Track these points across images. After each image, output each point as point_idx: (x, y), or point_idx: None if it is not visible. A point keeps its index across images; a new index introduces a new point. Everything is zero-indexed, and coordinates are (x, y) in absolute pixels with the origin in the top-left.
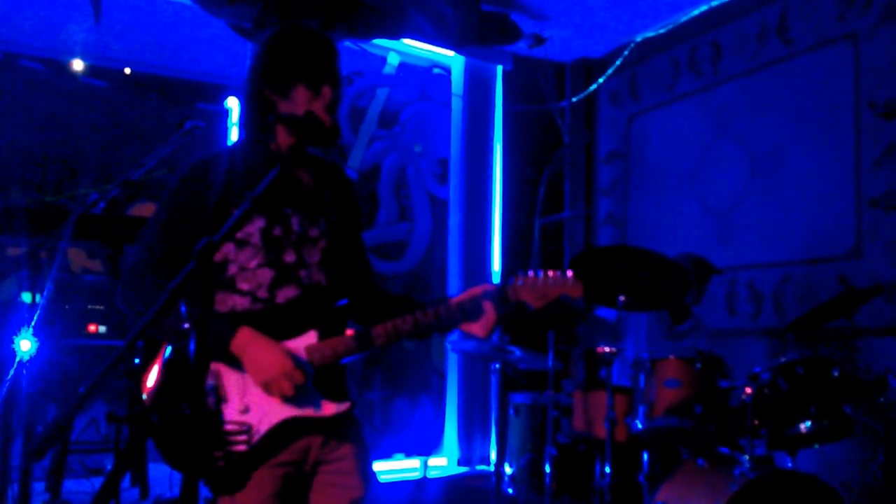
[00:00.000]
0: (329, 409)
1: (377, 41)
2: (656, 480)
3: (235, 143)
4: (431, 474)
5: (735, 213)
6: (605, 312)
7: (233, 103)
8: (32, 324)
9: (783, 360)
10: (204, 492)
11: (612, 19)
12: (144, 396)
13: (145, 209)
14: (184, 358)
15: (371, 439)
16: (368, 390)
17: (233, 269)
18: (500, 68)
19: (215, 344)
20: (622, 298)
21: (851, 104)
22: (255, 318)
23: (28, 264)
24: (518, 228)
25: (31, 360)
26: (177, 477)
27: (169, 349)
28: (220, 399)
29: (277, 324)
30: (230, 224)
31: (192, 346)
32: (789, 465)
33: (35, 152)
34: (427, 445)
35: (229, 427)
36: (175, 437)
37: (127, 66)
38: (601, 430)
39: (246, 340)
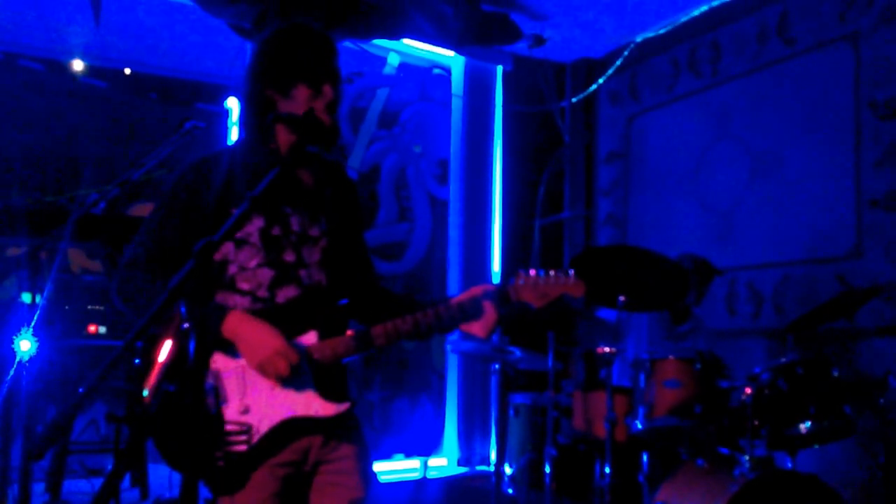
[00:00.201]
0: (329, 409)
1: (377, 41)
2: (656, 481)
3: (235, 143)
4: (431, 475)
5: (735, 214)
6: (605, 313)
7: (233, 103)
8: (32, 324)
9: (783, 360)
10: (204, 492)
11: (612, 20)
12: (145, 395)
13: (145, 209)
14: (184, 357)
15: (371, 440)
16: (368, 391)
17: (232, 269)
18: (500, 68)
19: (208, 331)
20: (622, 299)
21: (852, 104)
22: (256, 316)
23: (28, 264)
24: (518, 229)
25: (31, 360)
26: (177, 477)
27: (169, 348)
28: (220, 399)
29: (277, 324)
30: (229, 224)
31: (191, 345)
32: (789, 465)
33: (35, 152)
34: (427, 446)
35: (229, 427)
36: (175, 437)
37: (127, 67)
38: (601, 431)
39: (236, 323)
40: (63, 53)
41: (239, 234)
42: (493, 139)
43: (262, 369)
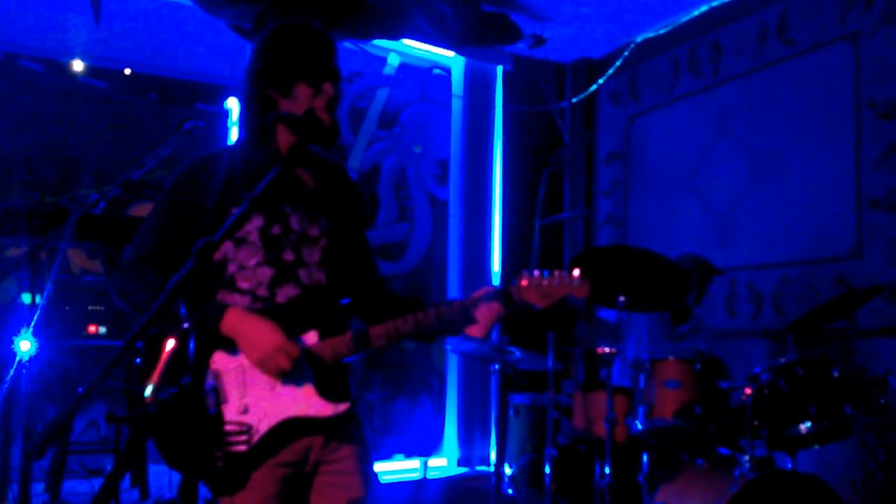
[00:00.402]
0: (329, 408)
1: (377, 42)
2: (656, 481)
3: (236, 143)
4: (431, 475)
5: (735, 214)
6: (605, 313)
7: (232, 104)
8: (32, 324)
9: (783, 360)
10: (203, 492)
11: (612, 20)
12: (147, 396)
13: (145, 210)
14: (184, 357)
15: (371, 440)
16: (368, 391)
17: (232, 268)
18: (500, 69)
19: (206, 329)
20: (622, 299)
21: (852, 105)
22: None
23: (28, 265)
24: (518, 229)
25: (31, 360)
26: (177, 478)
27: (169, 348)
28: (220, 399)
29: (277, 323)
30: (229, 224)
31: (191, 345)
32: (789, 465)
33: (35, 153)
34: (427, 446)
35: (229, 427)
36: (175, 437)
37: (127, 67)
38: (601, 431)
39: (235, 320)
40: (63, 54)
41: (238, 233)
42: (493, 139)
43: (263, 365)
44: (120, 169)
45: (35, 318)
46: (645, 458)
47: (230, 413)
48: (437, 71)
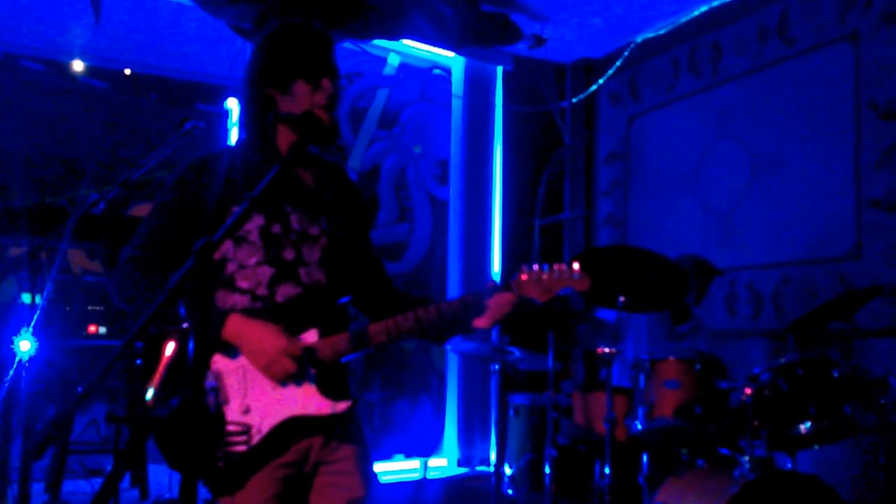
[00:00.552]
0: (331, 407)
1: (377, 42)
2: (656, 481)
3: (236, 143)
4: (431, 475)
5: (735, 214)
6: (605, 313)
7: (232, 104)
8: (32, 324)
9: (783, 360)
10: (203, 493)
11: (612, 20)
12: (148, 397)
13: (145, 209)
14: (184, 358)
15: (371, 440)
16: (369, 391)
17: (232, 267)
18: (500, 69)
19: (207, 335)
20: (622, 299)
21: (852, 105)
22: (256, 316)
23: (28, 265)
24: (518, 229)
25: (31, 360)
26: (176, 478)
27: (171, 348)
28: (221, 400)
29: (278, 322)
30: (228, 224)
31: (190, 345)
32: (789, 465)
33: (35, 153)
34: (427, 446)
35: (230, 428)
36: (177, 437)
37: (127, 67)
38: (601, 431)
39: (238, 326)
40: (63, 54)
41: (238, 232)
42: (493, 139)
43: (268, 370)
44: (120, 169)
45: (35, 318)
46: (645, 458)
47: (232, 413)
48: (437, 71)
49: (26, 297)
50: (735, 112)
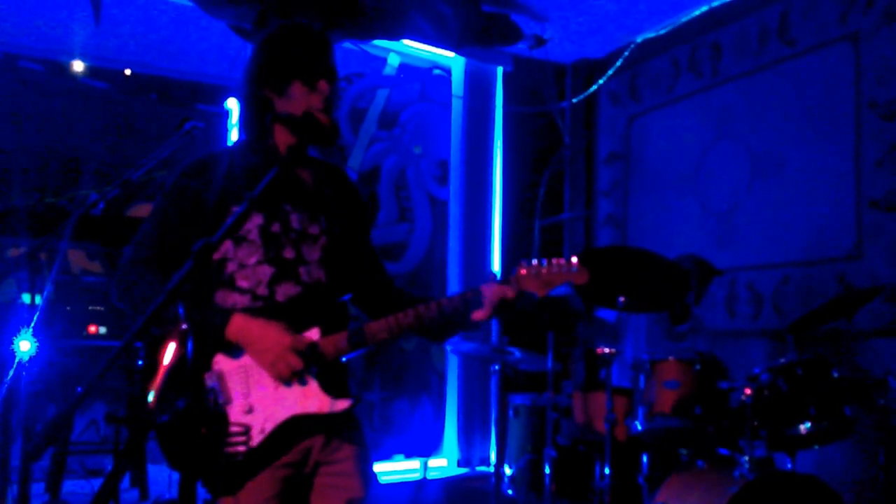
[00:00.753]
0: (333, 405)
1: (377, 42)
2: (656, 482)
3: (235, 143)
4: (431, 475)
5: (735, 214)
6: (605, 313)
7: (233, 104)
8: (32, 324)
9: (783, 361)
10: (203, 493)
11: (612, 20)
12: (150, 398)
13: (145, 210)
14: (184, 358)
15: (371, 440)
16: (368, 391)
17: (231, 267)
18: (500, 69)
19: (212, 334)
20: (622, 299)
21: (852, 105)
22: (257, 315)
23: (28, 265)
24: (518, 230)
25: (31, 361)
26: (176, 478)
27: (171, 349)
28: (224, 400)
29: (279, 321)
30: (228, 225)
31: (189, 346)
32: (789, 466)
33: (35, 153)
34: (427, 446)
35: (234, 428)
36: (179, 438)
37: (127, 67)
38: (601, 431)
39: (241, 325)
40: (63, 54)
41: (238, 232)
42: (493, 140)
43: (275, 367)
44: (120, 169)
45: (35, 318)
46: (645, 458)
47: (235, 414)
48: (437, 71)
49: (26, 297)
50: (735, 112)
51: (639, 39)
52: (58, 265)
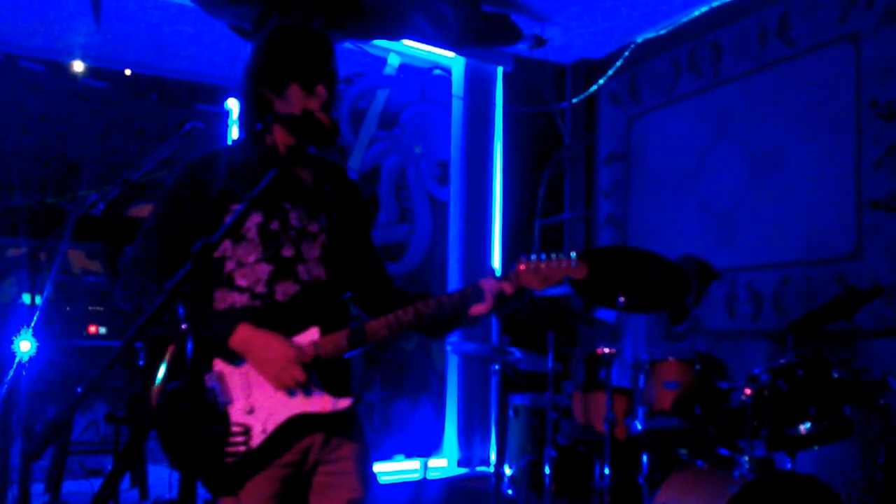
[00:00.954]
0: (333, 403)
1: (377, 42)
2: (656, 482)
3: (235, 142)
4: (431, 475)
5: (735, 215)
6: (605, 313)
7: (233, 104)
8: (32, 324)
9: (783, 361)
10: (203, 493)
11: (612, 20)
12: (151, 399)
13: (145, 210)
14: (184, 359)
15: (371, 440)
16: (369, 391)
17: (230, 265)
18: (500, 69)
19: (214, 342)
20: (622, 299)
21: (852, 105)
22: (256, 315)
23: (28, 265)
24: (518, 230)
25: (31, 361)
26: (176, 478)
27: (172, 349)
28: (225, 400)
29: (279, 321)
30: (227, 224)
31: (189, 346)
32: (789, 466)
33: (35, 153)
34: (427, 447)
35: (235, 428)
36: (181, 438)
37: (127, 68)
38: (601, 431)
39: (246, 336)
40: (63, 54)
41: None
42: (493, 140)
43: (278, 379)
44: (120, 169)
45: (35, 318)
46: (645, 458)
47: (236, 414)
48: (437, 71)
49: (26, 298)
50: (735, 112)
51: (639, 39)
52: (58, 265)
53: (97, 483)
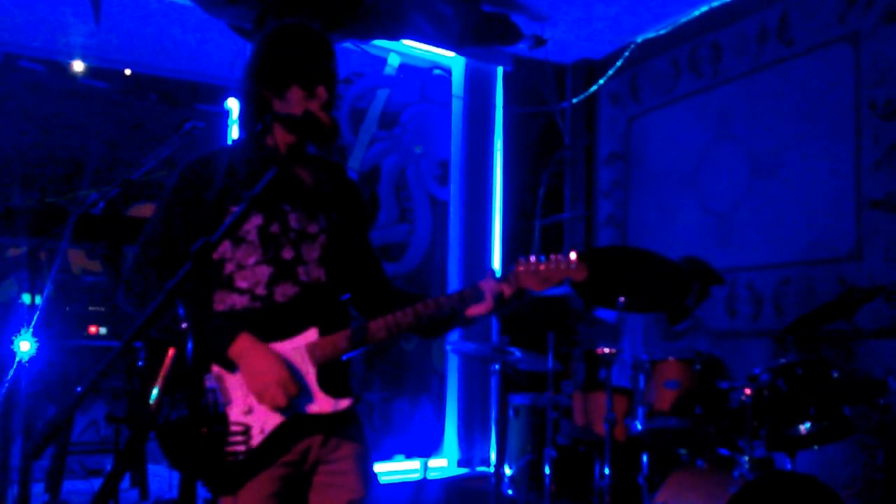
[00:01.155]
0: (332, 405)
1: (377, 42)
2: (656, 482)
3: (235, 141)
4: (431, 475)
5: (735, 215)
6: (605, 313)
7: (233, 104)
8: (32, 324)
9: (783, 361)
10: (202, 492)
11: (612, 20)
12: (152, 400)
13: (145, 210)
14: (184, 359)
15: (371, 440)
16: (368, 391)
17: (230, 267)
18: (500, 69)
19: (215, 348)
20: (622, 300)
21: (852, 105)
22: (256, 316)
23: (28, 265)
24: (518, 230)
25: (31, 360)
26: (176, 478)
27: (172, 349)
28: (224, 400)
29: (278, 322)
30: (226, 225)
31: (189, 347)
32: (789, 466)
33: (35, 152)
34: (427, 447)
35: (234, 428)
36: (180, 438)
37: (127, 67)
38: (601, 431)
39: (244, 347)
40: (63, 54)
41: (237, 232)
42: (493, 140)
43: (260, 395)
44: (120, 169)
45: (35, 318)
46: (645, 458)
47: (235, 414)
48: (437, 71)
49: (26, 297)
50: (735, 112)
51: (639, 39)
52: (58, 265)
53: (97, 483)
